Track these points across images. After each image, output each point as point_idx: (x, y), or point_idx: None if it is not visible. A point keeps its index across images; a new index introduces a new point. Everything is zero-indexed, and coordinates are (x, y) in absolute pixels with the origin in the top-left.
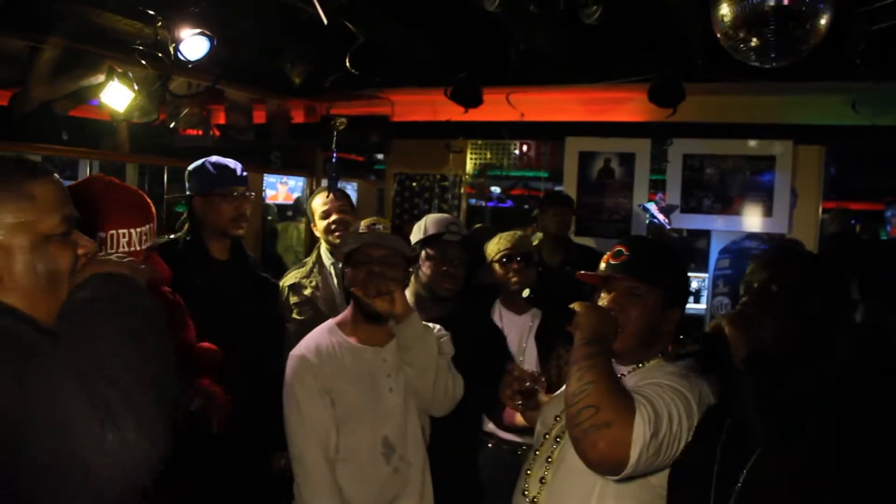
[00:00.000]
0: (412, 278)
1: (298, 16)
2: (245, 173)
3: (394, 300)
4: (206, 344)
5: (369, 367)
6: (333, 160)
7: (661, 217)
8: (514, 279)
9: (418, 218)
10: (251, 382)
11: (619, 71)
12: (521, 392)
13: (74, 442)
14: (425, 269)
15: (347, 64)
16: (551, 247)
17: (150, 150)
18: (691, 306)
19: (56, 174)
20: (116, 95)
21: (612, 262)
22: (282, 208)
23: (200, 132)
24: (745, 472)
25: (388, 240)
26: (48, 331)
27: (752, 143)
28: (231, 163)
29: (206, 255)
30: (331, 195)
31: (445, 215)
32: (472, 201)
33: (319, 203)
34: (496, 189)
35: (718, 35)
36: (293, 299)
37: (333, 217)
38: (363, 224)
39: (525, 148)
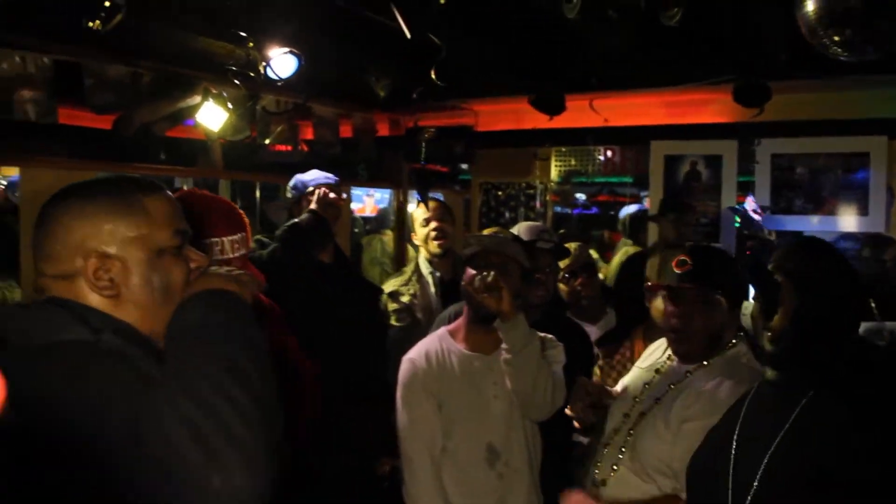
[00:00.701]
0: None
1: (382, 31)
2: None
3: (501, 298)
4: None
5: (476, 373)
6: (421, 170)
7: (756, 217)
8: (583, 293)
9: (504, 227)
10: (356, 385)
11: (701, 72)
12: (591, 406)
13: (178, 482)
14: None
15: (433, 76)
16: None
17: (241, 166)
18: None
19: (167, 190)
20: (211, 115)
21: (678, 272)
22: (368, 221)
23: (290, 148)
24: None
25: (508, 247)
26: (160, 352)
27: (844, 139)
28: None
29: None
30: (431, 204)
31: (537, 223)
32: (558, 209)
33: (420, 212)
34: (581, 196)
35: (804, 31)
36: (392, 306)
37: (433, 225)
38: (486, 232)
39: (609, 153)
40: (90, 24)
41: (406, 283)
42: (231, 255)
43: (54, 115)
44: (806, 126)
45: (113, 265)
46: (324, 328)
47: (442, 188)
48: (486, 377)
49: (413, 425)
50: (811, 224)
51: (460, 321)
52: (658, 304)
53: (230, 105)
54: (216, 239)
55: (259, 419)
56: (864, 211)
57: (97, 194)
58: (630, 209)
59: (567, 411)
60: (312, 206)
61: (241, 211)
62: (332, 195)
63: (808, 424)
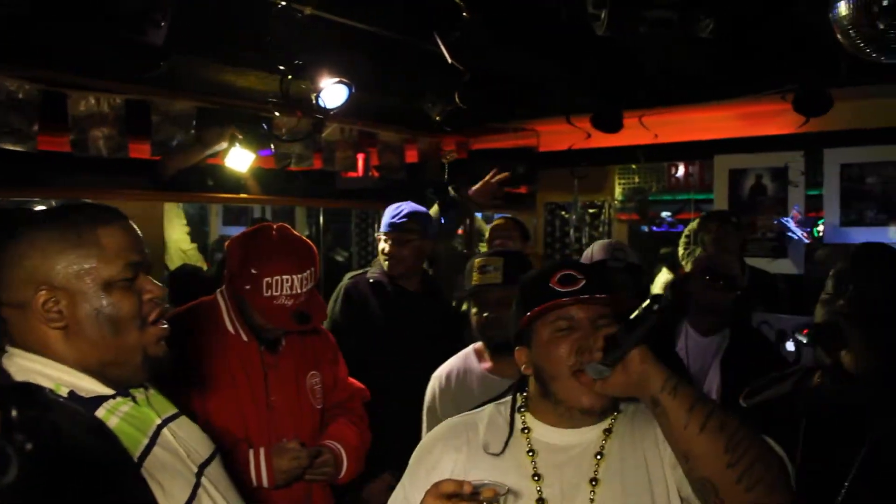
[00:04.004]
0: None
1: (436, 57)
2: (401, 218)
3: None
4: (353, 381)
5: (490, 391)
6: (443, 191)
7: (799, 232)
8: (708, 297)
9: (569, 246)
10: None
11: (761, 84)
12: None
13: None
14: None
15: (457, 99)
16: None
17: (315, 193)
18: None
19: (126, 220)
20: (239, 158)
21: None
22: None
23: (360, 174)
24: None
25: (495, 289)
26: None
27: None
28: (395, 207)
29: (397, 287)
30: (499, 221)
31: (613, 241)
32: (644, 227)
33: (489, 228)
34: (666, 213)
35: (838, 36)
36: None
37: (495, 242)
38: (476, 264)
39: (673, 170)
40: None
41: None
42: (300, 291)
43: (125, 150)
44: (875, 134)
45: (61, 298)
46: (407, 353)
47: (511, 209)
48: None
49: None
50: (885, 236)
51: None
52: None
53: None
54: (287, 276)
55: None
56: None
57: (49, 225)
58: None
59: None
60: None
61: (313, 245)
62: (387, 248)
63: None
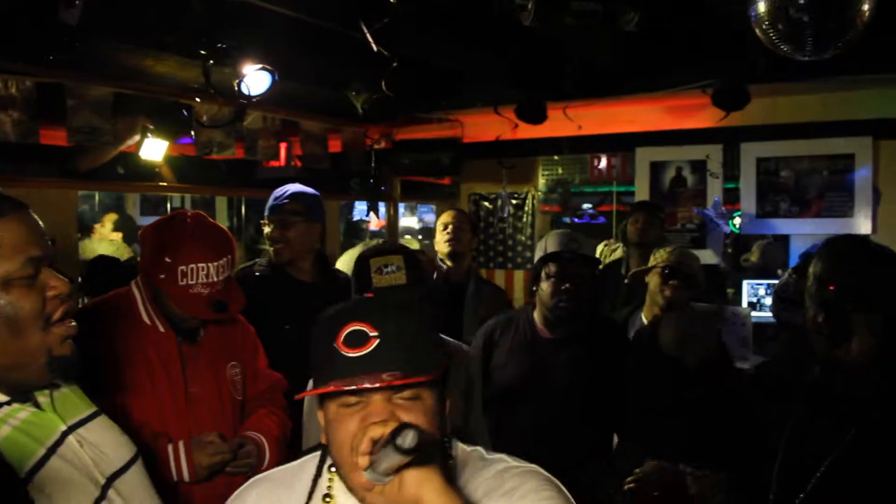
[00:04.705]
0: (536, 298)
1: (363, 46)
2: (283, 199)
3: None
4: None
5: None
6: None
7: (720, 222)
8: (666, 293)
9: (494, 237)
10: None
11: (680, 78)
12: None
13: None
14: (545, 287)
15: (383, 86)
16: (637, 256)
17: (236, 183)
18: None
19: (25, 210)
20: (153, 149)
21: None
22: (377, 235)
23: (283, 164)
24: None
25: (400, 293)
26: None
27: (829, 141)
28: (279, 189)
29: (287, 278)
30: (453, 211)
31: (566, 231)
32: (566, 219)
33: (443, 217)
34: (587, 205)
35: (756, 31)
36: None
37: (450, 228)
38: (373, 263)
39: (596, 161)
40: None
41: None
42: (216, 279)
43: (36, 135)
44: (790, 129)
45: None
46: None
47: (434, 200)
48: None
49: None
50: (797, 227)
51: None
52: None
53: (208, 122)
54: (202, 264)
55: None
56: (850, 212)
57: None
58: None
59: None
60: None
61: (229, 232)
62: (269, 231)
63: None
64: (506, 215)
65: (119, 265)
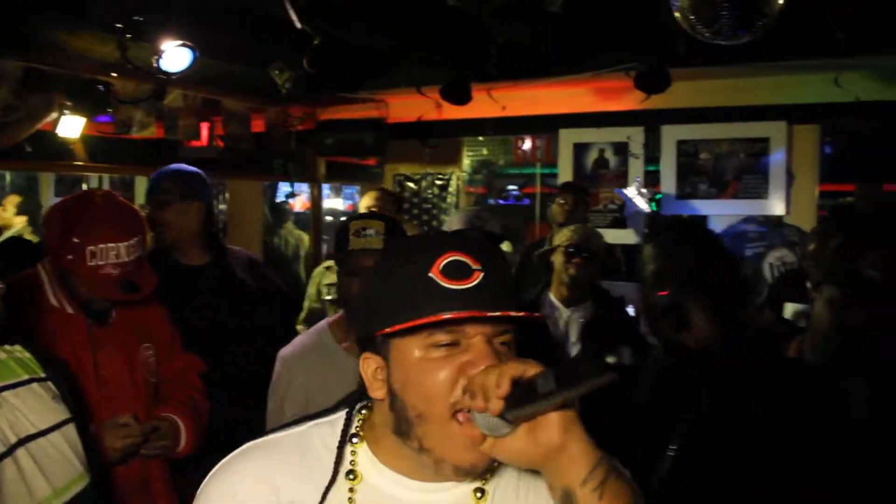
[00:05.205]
0: None
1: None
2: (158, 180)
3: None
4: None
5: (350, 377)
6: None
7: (639, 203)
8: (570, 272)
9: (418, 217)
10: (238, 392)
11: (603, 61)
12: None
13: None
14: None
15: (305, 65)
16: None
17: (156, 163)
18: None
19: None
20: (70, 126)
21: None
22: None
23: (205, 144)
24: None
25: (373, 255)
26: None
27: (746, 125)
28: (160, 170)
29: (172, 263)
30: (375, 193)
31: (473, 209)
32: (491, 201)
33: (365, 201)
34: (513, 187)
35: (676, 15)
36: (328, 279)
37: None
38: (352, 226)
39: (520, 143)
40: None
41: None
42: (126, 259)
43: None
44: (710, 112)
45: None
46: (196, 334)
47: (359, 181)
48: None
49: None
50: (715, 208)
51: (343, 315)
52: None
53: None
54: (112, 244)
55: None
56: (765, 194)
57: None
58: None
59: None
60: None
61: (140, 212)
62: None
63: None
64: (425, 196)
65: (31, 246)
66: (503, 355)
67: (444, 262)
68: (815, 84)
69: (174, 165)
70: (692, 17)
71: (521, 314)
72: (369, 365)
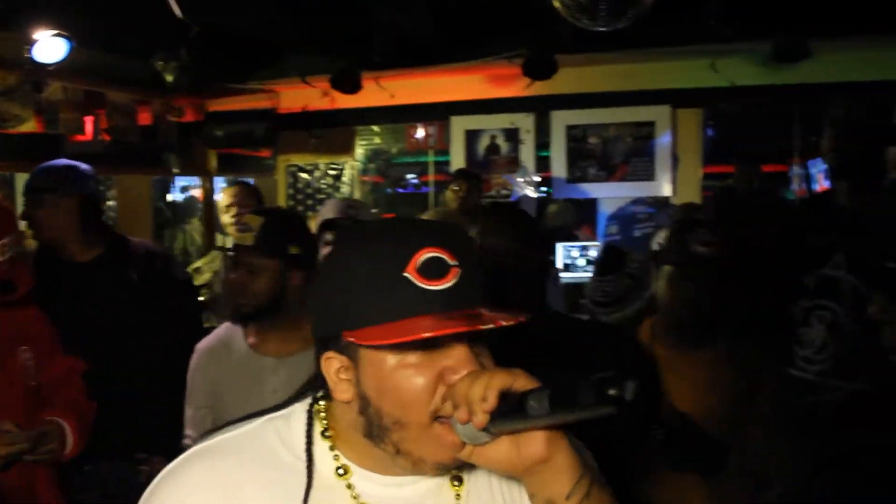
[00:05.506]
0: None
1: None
2: (32, 178)
3: None
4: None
5: (254, 376)
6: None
7: (529, 189)
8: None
9: (312, 208)
10: (143, 387)
11: (489, 48)
12: None
13: None
14: (326, 253)
15: (183, 55)
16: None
17: (37, 158)
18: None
19: None
20: None
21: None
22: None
23: (90, 138)
24: None
25: (246, 252)
26: None
27: (632, 110)
28: (38, 167)
29: (54, 261)
30: (232, 189)
31: (345, 198)
32: (389, 190)
33: (223, 198)
34: (411, 175)
35: (555, 3)
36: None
37: (233, 211)
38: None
39: (412, 131)
40: None
41: (211, 261)
42: (0, 259)
43: None
44: (597, 97)
45: None
46: (84, 333)
47: (252, 173)
48: (266, 382)
49: (195, 418)
50: (605, 191)
51: None
52: None
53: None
54: None
55: None
56: (651, 177)
57: None
58: None
59: None
60: None
61: (12, 209)
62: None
63: None
64: (319, 186)
65: None
66: (481, 356)
67: (420, 259)
68: (696, 70)
69: (50, 161)
70: (569, 4)
71: (512, 321)
72: (332, 365)
